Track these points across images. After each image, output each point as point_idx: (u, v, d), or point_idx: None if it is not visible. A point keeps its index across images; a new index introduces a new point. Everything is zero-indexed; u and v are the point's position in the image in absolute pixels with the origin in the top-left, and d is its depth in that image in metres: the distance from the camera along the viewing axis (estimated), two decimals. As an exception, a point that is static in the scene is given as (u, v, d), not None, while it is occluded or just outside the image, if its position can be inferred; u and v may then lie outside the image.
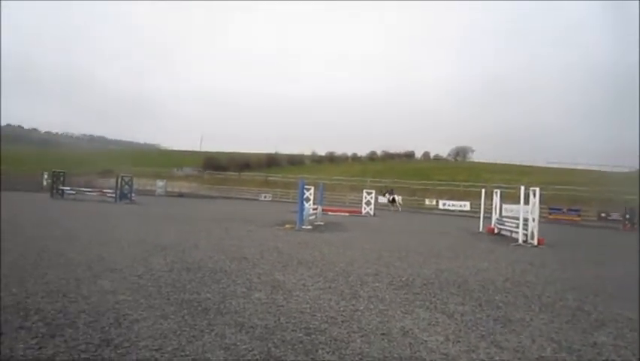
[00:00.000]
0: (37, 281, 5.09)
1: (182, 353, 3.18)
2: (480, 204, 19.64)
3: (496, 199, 17.63)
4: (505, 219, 16.47)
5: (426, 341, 3.75)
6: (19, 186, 37.37)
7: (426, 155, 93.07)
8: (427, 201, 44.56)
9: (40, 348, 3.13)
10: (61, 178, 26.44)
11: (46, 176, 38.80)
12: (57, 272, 5.62)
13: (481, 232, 17.18)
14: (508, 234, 15.21)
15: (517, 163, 68.35)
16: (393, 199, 37.43)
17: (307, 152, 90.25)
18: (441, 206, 42.53)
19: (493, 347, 3.69)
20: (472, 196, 40.27)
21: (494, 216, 17.49)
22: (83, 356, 3.04)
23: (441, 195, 46.31)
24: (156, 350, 3.22)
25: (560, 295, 5.95)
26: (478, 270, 7.76)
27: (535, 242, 12.76)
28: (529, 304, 5.30)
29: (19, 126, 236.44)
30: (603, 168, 58.91)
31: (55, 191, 25.65)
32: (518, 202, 14.15)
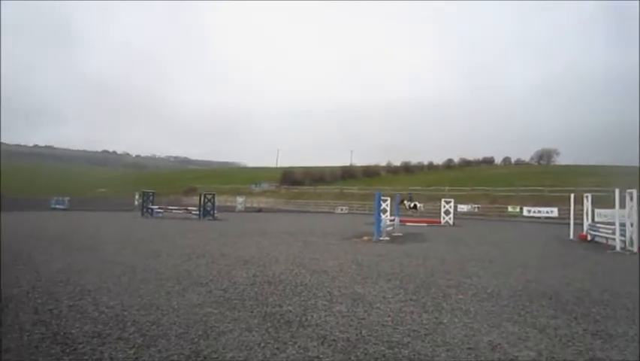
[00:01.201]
0: (133, 295, 5.44)
1: (267, 365, 3.25)
2: (569, 210, 18.40)
3: (587, 204, 16.45)
4: (599, 225, 15.32)
5: (516, 356, 3.55)
6: (115, 207, 40.44)
7: (507, 160, 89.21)
8: (509, 208, 42.43)
9: (136, 358, 3.33)
10: (151, 198, 28.16)
11: (137, 196, 41.54)
12: (149, 286, 5.98)
13: (572, 240, 16.08)
14: (604, 241, 14.14)
15: (609, 164, 63.28)
16: (415, 205, 37.31)
17: (382, 163, 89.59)
18: (525, 213, 40.30)
19: (593, 364, 3.42)
20: (560, 202, 37.79)
21: (586, 222, 16.32)
22: (175, 366, 3.19)
23: (525, 201, 43.93)
24: (242, 361, 3.32)
25: (668, 308, 5.39)
26: (571, 280, 7.24)
27: (635, 249, 11.73)
28: (632, 318, 4.85)
29: (114, 152, 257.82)
30: None
31: (145, 210, 27.35)
32: (613, 206, 13.10)
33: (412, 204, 38.33)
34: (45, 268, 7.32)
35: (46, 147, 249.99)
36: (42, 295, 5.31)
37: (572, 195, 18.22)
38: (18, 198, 62.18)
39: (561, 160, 79.76)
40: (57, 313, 4.55)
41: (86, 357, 3.32)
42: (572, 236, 16.56)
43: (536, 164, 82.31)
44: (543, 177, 57.37)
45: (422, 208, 38.57)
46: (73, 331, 3.95)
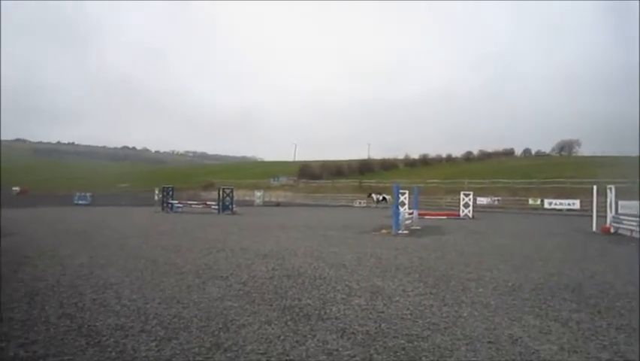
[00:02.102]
0: (154, 288, 5.53)
1: (287, 358, 3.28)
2: (592, 202, 18.05)
3: (611, 195, 16.10)
4: (622, 217, 15.00)
5: (538, 350, 3.51)
6: (136, 202, 41.05)
7: (527, 151, 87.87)
8: (530, 201, 41.74)
9: (159, 350, 3.39)
10: (170, 193, 28.48)
11: (157, 191, 42.06)
12: (170, 280, 6.07)
13: (594, 232, 15.77)
14: (628, 233, 13.86)
15: (634, 155, 61.67)
16: (384, 198, 41.25)
17: (400, 156, 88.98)
18: (547, 205, 39.61)
19: (617, 358, 3.37)
20: (582, 194, 37.05)
21: (609, 215, 15.98)
22: (197, 358, 3.24)
23: (546, 193, 43.15)
24: (262, 353, 3.35)
25: (695, 301, 5.26)
26: (594, 273, 7.12)
27: (661, 242, 11.45)
28: (657, 311, 4.75)
29: (133, 148, 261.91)
30: None
31: (165, 205, 27.67)
32: (637, 198, 12.80)
33: (380, 197, 41.54)
34: (69, 262, 7.48)
35: (68, 143, 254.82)
36: (67, 289, 5.43)
37: (595, 187, 17.88)
38: (42, 194, 63.70)
39: (583, 151, 78.13)
40: (81, 306, 4.65)
41: (109, 349, 3.39)
42: (594, 228, 16.24)
43: (557, 155, 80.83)
44: (564, 168, 56.33)
45: (391, 200, 40.47)
46: (97, 324, 4.04)
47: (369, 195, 44.48)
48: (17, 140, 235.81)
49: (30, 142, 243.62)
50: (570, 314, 4.59)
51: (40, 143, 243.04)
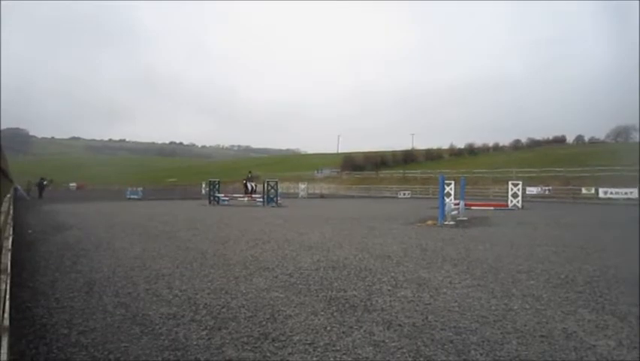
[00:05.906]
0: (203, 279, 5.69)
1: (334, 348, 3.30)
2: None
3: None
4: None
5: (594, 345, 3.37)
6: (184, 195, 42.28)
7: (579, 138, 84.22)
8: (583, 190, 40.06)
9: (209, 339, 3.49)
10: (217, 186, 29.08)
11: (204, 185, 43.14)
12: (219, 271, 6.23)
13: (655, 222, 14.97)
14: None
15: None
16: (253, 188, 33.75)
17: (445, 145, 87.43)
18: (602, 194, 37.84)
19: (681, 355, 3.19)
20: (641, 182, 35.18)
21: (671, 204, 15.10)
22: (246, 347, 3.31)
23: (601, 182, 41.23)
24: (309, 344, 3.39)
25: None
26: (655, 265, 6.76)
27: None
28: None
29: (180, 143, 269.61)
30: None
31: (212, 198, 28.31)
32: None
33: (254, 186, 34.31)
34: (123, 254, 7.80)
35: (119, 140, 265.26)
36: (121, 280, 5.66)
37: (655, 175, 16.91)
38: (96, 189, 66.73)
39: (640, 137, 73.96)
40: (135, 296, 4.84)
41: (162, 337, 3.52)
42: (655, 218, 15.41)
43: (613, 142, 76.95)
44: (621, 155, 53.64)
45: (259, 191, 36.31)
46: (151, 313, 4.20)
47: (245, 185, 34.68)
48: (72, 138, 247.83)
49: (84, 139, 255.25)
50: (629, 308, 4.37)
51: (93, 140, 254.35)
